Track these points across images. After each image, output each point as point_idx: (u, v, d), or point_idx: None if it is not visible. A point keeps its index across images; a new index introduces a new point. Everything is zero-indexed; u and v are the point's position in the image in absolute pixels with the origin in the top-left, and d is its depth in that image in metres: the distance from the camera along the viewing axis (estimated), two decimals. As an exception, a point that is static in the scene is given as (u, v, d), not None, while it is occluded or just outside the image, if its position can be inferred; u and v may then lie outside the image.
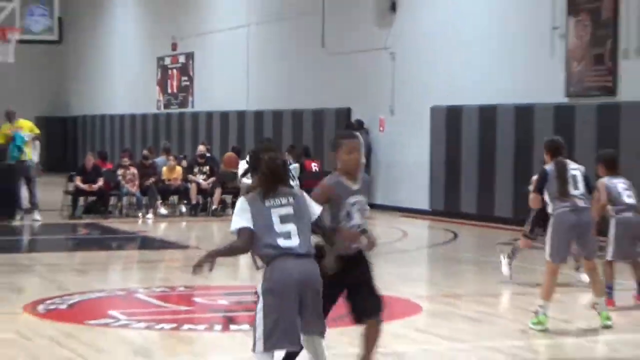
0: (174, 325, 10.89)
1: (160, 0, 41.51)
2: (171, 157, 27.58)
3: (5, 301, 12.62)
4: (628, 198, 11.54)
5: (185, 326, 10.97)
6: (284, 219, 5.77)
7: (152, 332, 10.67)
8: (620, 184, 11.69)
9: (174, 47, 37.72)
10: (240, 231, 5.47)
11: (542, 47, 21.31)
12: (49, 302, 12.35)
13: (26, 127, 23.75)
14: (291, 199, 5.82)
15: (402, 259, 18.59)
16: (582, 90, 20.72)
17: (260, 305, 5.51)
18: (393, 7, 25.74)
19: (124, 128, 40.53)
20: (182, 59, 37.58)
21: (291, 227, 5.79)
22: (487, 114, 22.71)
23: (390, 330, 9.90)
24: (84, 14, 41.92)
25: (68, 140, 44.14)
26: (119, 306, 12.60)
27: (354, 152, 6.15)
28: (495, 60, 22.78)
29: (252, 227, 5.51)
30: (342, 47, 27.68)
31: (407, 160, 25.52)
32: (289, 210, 5.81)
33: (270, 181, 5.68)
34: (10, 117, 24.27)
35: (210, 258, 5.37)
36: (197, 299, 13.35)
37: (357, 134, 6.78)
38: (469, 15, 23.91)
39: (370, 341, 6.28)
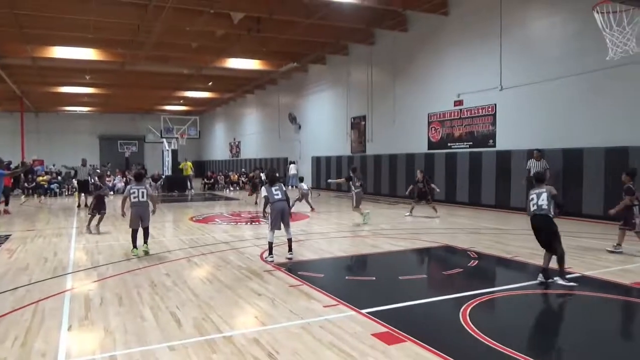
0: (235, 223, 12.17)
1: (229, 122, 41.01)
2: (231, 173, 29.09)
3: (182, 217, 13.74)
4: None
5: (239, 224, 12.03)
6: (276, 190, 7.43)
7: (228, 225, 11.82)
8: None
9: (234, 140, 39.12)
10: (264, 197, 8.55)
11: (343, 137, 22.98)
12: (196, 216, 13.65)
13: (189, 165, 24.97)
14: (280, 185, 7.54)
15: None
16: (355, 151, 22.20)
17: (269, 216, 7.54)
18: (299, 127, 27.43)
19: (220, 164, 41.76)
20: (237, 143, 38.64)
21: (279, 192, 7.41)
22: (328, 160, 24.31)
23: (303, 222, 11.82)
24: (205, 130, 39.50)
25: (203, 167, 41.16)
26: (218, 218, 13.59)
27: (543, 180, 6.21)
28: (331, 141, 24.19)
29: (267, 194, 7.64)
30: (285, 139, 29.18)
31: (306, 172, 25.34)
32: (278, 188, 7.47)
33: (271, 180, 7.65)
34: (186, 161, 25.50)
35: (264, 209, 8.79)
36: (242, 215, 14.03)
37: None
38: (323, 127, 25.22)
39: (549, 260, 6.03)
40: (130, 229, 8.18)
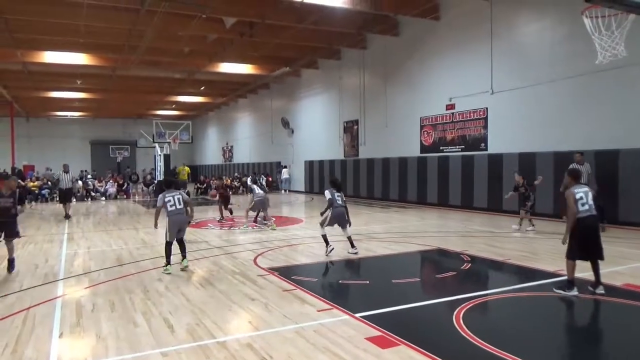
0: (228, 228, 12.25)
1: (222, 126, 40.92)
2: (224, 177, 28.53)
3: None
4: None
5: (232, 229, 12.13)
6: (338, 196, 8.02)
7: (221, 230, 11.90)
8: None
9: (227, 144, 39.04)
10: (328, 199, 7.91)
11: (336, 141, 22.86)
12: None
13: (187, 170, 24.98)
14: (341, 193, 8.11)
15: (300, 205, 20.12)
16: (348, 155, 22.11)
17: (327, 215, 7.94)
18: (292, 131, 27.34)
19: (212, 169, 41.69)
20: (230, 148, 38.56)
21: (340, 197, 8.00)
22: (321, 164, 24.16)
23: (296, 227, 12.22)
24: (198, 135, 40.80)
25: (196, 172, 38.86)
26: (211, 222, 13.46)
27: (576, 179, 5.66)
28: (324, 145, 24.00)
29: (331, 196, 7.94)
30: (277, 143, 29.10)
31: (298, 176, 26.79)
32: (340, 195, 8.07)
33: (339, 187, 8.16)
34: (183, 165, 25.88)
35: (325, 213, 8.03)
36: (235, 220, 13.65)
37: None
38: (315, 131, 24.94)
39: (597, 269, 5.52)
40: (165, 242, 7.23)
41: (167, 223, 7.14)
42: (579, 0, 7.02)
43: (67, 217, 15.05)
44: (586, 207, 5.53)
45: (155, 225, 7.43)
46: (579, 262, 5.61)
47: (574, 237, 5.54)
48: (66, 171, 15.54)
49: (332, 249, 8.03)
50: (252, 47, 20.17)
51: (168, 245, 7.17)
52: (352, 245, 8.16)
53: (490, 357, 3.88)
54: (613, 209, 10.95)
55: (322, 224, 8.08)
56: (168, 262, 7.13)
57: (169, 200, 7.16)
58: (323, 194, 8.69)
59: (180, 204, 7.20)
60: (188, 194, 23.04)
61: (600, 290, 5.52)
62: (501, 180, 14.42)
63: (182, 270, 7.12)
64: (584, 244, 5.50)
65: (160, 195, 7.29)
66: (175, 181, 8.30)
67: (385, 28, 18.32)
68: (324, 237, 8.08)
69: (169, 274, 6.99)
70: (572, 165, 10.99)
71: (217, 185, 14.07)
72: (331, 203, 7.92)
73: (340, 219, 8.01)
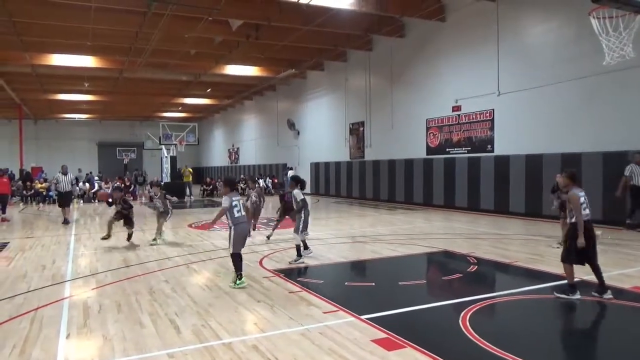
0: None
1: (228, 128, 40.89)
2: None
3: (181, 224, 13.94)
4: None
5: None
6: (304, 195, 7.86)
7: (227, 232, 10.84)
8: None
9: (233, 146, 39.00)
10: (301, 200, 7.63)
11: (342, 143, 22.86)
12: (195, 223, 13.94)
13: (189, 171, 24.74)
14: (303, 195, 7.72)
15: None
16: (354, 156, 22.09)
17: (299, 222, 7.60)
18: (298, 133, 27.35)
19: (217, 170, 41.74)
20: (236, 150, 38.51)
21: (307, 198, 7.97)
22: (327, 166, 24.24)
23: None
24: (204, 137, 40.80)
25: (202, 173, 39.62)
26: (217, 224, 13.77)
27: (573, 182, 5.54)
28: (330, 147, 24.06)
29: (303, 197, 7.72)
30: (283, 145, 29.09)
31: (304, 177, 28.94)
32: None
33: (302, 186, 7.90)
34: (186, 167, 25.55)
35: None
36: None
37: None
38: (321, 133, 25.03)
39: (598, 272, 5.41)
40: (231, 254, 6.26)
41: (232, 232, 6.19)
42: (586, 1, 7.01)
43: (66, 222, 14.01)
44: (587, 211, 5.53)
45: (211, 226, 7.29)
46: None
47: (573, 241, 5.49)
48: (64, 173, 14.26)
49: (311, 252, 8.03)
50: (258, 49, 20.29)
51: (235, 256, 6.17)
52: (306, 247, 8.06)
53: (496, 360, 3.87)
54: (621, 210, 10.83)
55: (296, 231, 7.55)
56: (240, 275, 6.16)
57: (236, 205, 6.19)
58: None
59: (244, 211, 6.41)
60: (189, 194, 23.16)
61: (608, 295, 5.42)
62: (508, 182, 14.38)
63: (234, 288, 6.15)
64: (583, 248, 5.43)
65: (226, 197, 6.27)
66: (236, 180, 7.57)
67: (391, 30, 18.35)
68: (301, 244, 7.67)
69: (244, 286, 6.14)
70: (630, 166, 10.60)
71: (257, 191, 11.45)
72: (305, 203, 7.66)
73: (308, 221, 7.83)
